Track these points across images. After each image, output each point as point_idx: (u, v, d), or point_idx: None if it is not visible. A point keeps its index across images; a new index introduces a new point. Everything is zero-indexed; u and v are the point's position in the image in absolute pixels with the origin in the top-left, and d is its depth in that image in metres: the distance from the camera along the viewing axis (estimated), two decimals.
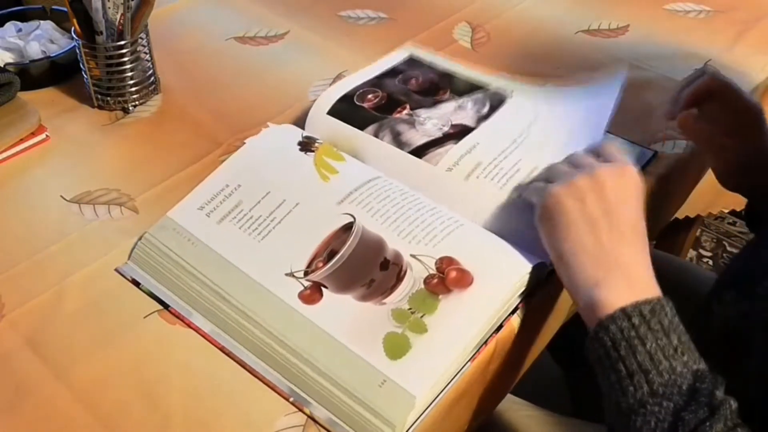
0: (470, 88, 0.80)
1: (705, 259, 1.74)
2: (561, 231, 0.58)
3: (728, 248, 1.75)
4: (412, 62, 0.85)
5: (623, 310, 0.53)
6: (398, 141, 0.73)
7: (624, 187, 0.60)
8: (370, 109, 0.77)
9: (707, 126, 0.73)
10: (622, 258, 0.57)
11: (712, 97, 0.72)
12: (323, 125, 0.76)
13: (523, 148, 0.72)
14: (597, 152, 0.65)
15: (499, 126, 0.75)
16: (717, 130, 0.73)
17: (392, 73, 0.82)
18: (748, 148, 0.73)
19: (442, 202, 0.67)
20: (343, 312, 0.60)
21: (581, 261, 0.57)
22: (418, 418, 0.55)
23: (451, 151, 0.71)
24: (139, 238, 0.67)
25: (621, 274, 0.56)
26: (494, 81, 0.81)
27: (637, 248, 0.58)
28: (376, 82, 0.80)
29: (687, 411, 0.49)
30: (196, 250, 0.65)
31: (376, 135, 0.74)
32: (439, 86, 0.80)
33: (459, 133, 0.74)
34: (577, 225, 0.58)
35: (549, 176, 0.64)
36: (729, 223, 1.79)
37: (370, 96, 0.79)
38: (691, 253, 1.72)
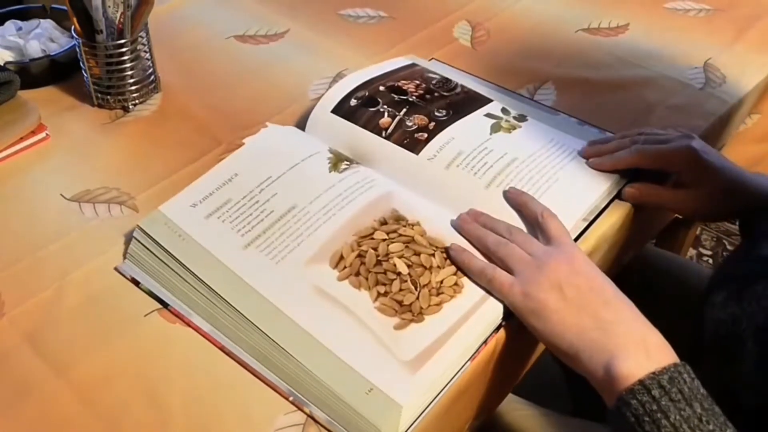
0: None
1: (705, 258, 1.73)
2: (558, 325, 0.57)
3: (728, 247, 1.75)
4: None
5: (642, 382, 0.52)
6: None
7: (583, 270, 0.60)
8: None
9: (655, 189, 0.72)
10: (627, 325, 0.56)
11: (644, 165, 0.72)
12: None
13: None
14: (537, 225, 0.64)
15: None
16: (666, 190, 0.72)
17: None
18: (705, 189, 0.71)
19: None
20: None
21: (590, 342, 0.56)
22: (417, 418, 0.55)
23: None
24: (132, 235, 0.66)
25: (634, 341, 0.55)
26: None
27: (633, 312, 0.57)
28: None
29: None
30: (187, 246, 0.64)
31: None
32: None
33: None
34: (569, 313, 0.57)
35: (503, 257, 0.62)
36: (729, 222, 1.78)
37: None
38: (691, 251, 1.72)
